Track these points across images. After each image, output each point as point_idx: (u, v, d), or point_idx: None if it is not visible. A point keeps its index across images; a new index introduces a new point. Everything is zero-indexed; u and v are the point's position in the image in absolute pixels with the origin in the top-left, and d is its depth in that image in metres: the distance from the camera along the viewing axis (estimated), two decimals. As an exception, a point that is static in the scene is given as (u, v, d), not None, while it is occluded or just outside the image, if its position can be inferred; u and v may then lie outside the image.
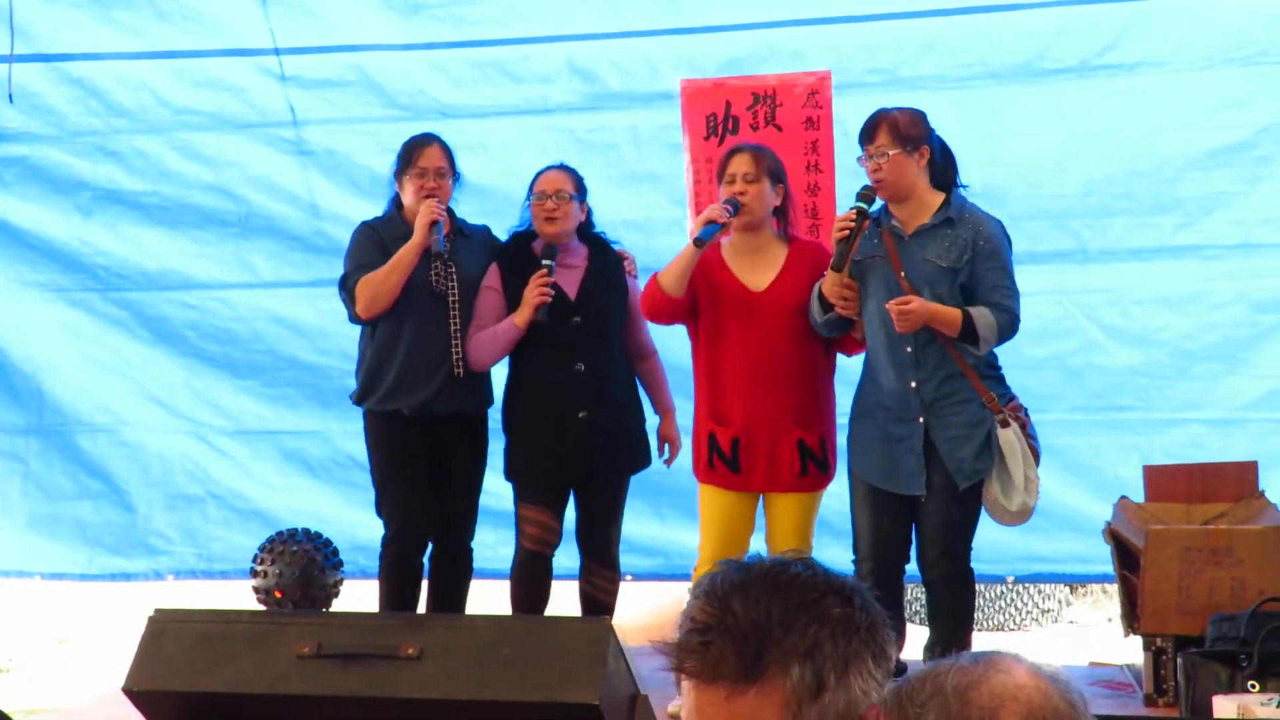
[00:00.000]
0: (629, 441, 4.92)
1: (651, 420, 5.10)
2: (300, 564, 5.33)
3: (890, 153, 4.38)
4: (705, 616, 1.57)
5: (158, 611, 3.88)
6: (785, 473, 4.59)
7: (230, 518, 6.31)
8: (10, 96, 6.09)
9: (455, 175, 4.97)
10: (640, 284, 4.95)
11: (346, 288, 4.90)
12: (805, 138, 5.65)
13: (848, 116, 5.46)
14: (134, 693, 3.76)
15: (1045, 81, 5.71)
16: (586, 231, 4.98)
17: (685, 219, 5.71)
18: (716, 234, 4.54)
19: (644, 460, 4.99)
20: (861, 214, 4.37)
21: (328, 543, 5.52)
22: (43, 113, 6.28)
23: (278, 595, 5.25)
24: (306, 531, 5.57)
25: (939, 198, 4.47)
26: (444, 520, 4.98)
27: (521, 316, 4.73)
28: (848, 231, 4.36)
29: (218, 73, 6.21)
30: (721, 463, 4.63)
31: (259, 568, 5.37)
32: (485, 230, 5.12)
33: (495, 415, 5.11)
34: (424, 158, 4.87)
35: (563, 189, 4.83)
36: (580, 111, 6.08)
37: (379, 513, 4.99)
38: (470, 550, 5.06)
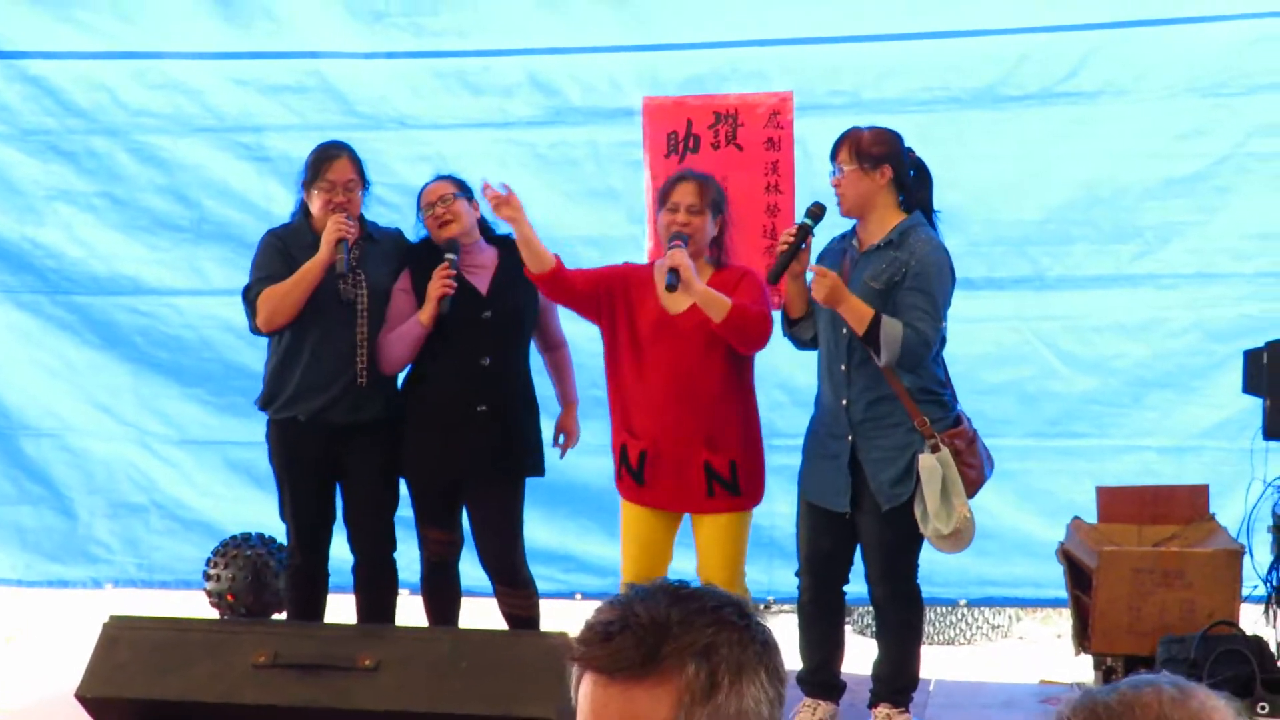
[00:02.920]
0: (525, 443, 4.98)
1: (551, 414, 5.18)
2: (253, 568, 5.39)
3: (845, 169, 4.48)
4: (608, 615, 1.65)
5: (112, 618, 3.95)
6: (692, 493, 4.66)
7: (173, 527, 6.35)
8: None
9: (365, 184, 4.99)
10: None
11: (248, 299, 4.92)
12: (766, 158, 5.75)
13: (809, 138, 5.60)
14: (87, 699, 3.83)
15: (1007, 107, 5.84)
16: (491, 234, 5.06)
17: (644, 236, 5.80)
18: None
19: (537, 467, 5.04)
20: (803, 230, 4.48)
21: (281, 547, 5.54)
22: (-4, 109, 6.34)
23: (229, 599, 5.31)
24: (260, 536, 5.62)
25: (899, 219, 4.53)
26: (358, 532, 5.02)
27: (425, 313, 4.80)
28: (787, 245, 4.46)
29: (177, 75, 6.25)
30: (628, 474, 4.72)
31: (211, 571, 5.42)
32: (396, 233, 5.15)
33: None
34: (333, 170, 4.85)
35: (445, 194, 4.92)
36: (540, 126, 6.15)
37: (282, 519, 5.03)
38: (392, 561, 5.08)
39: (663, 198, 4.72)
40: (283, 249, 4.91)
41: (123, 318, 6.36)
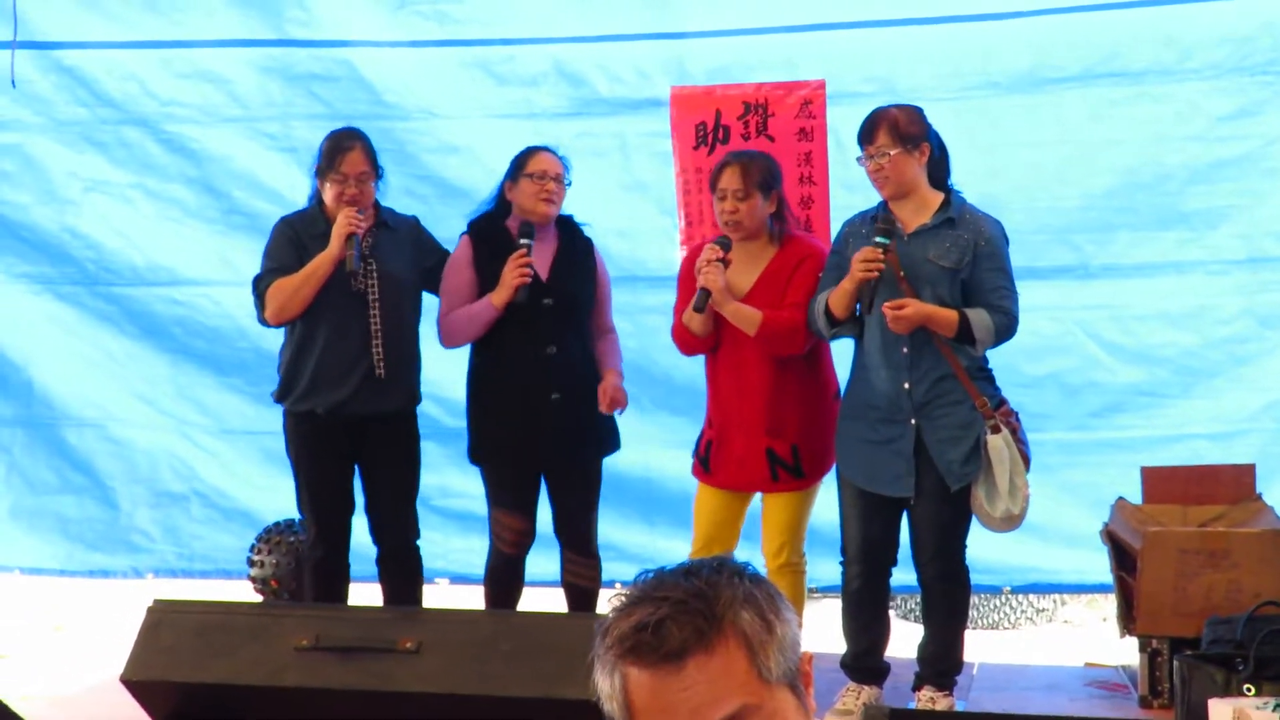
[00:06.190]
0: (599, 425, 5.16)
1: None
2: (296, 554, 5.56)
3: (891, 152, 4.62)
4: (641, 613, 1.70)
5: (157, 602, 4.15)
6: (756, 478, 4.94)
7: (214, 517, 6.58)
8: (14, 82, 6.37)
9: (379, 174, 5.09)
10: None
11: (258, 290, 5.05)
12: (798, 149, 5.81)
13: (842, 127, 5.69)
14: (132, 683, 4.03)
15: (1046, 91, 5.94)
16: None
17: (674, 228, 5.91)
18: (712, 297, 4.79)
19: (614, 444, 5.24)
20: (885, 250, 4.56)
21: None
22: (32, 101, 6.54)
23: (273, 585, 5.51)
24: (304, 522, 5.81)
25: (938, 197, 4.72)
26: (380, 522, 5.18)
27: (500, 297, 4.94)
28: (876, 274, 4.56)
29: (204, 64, 6.44)
30: (698, 461, 5.04)
31: (255, 557, 5.61)
32: (413, 221, 5.27)
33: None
34: (346, 163, 4.97)
35: (560, 174, 5.09)
36: (566, 117, 6.29)
37: (300, 514, 5.21)
38: (416, 549, 5.25)
39: (712, 185, 4.96)
40: (295, 238, 5.05)
41: (161, 308, 6.59)
